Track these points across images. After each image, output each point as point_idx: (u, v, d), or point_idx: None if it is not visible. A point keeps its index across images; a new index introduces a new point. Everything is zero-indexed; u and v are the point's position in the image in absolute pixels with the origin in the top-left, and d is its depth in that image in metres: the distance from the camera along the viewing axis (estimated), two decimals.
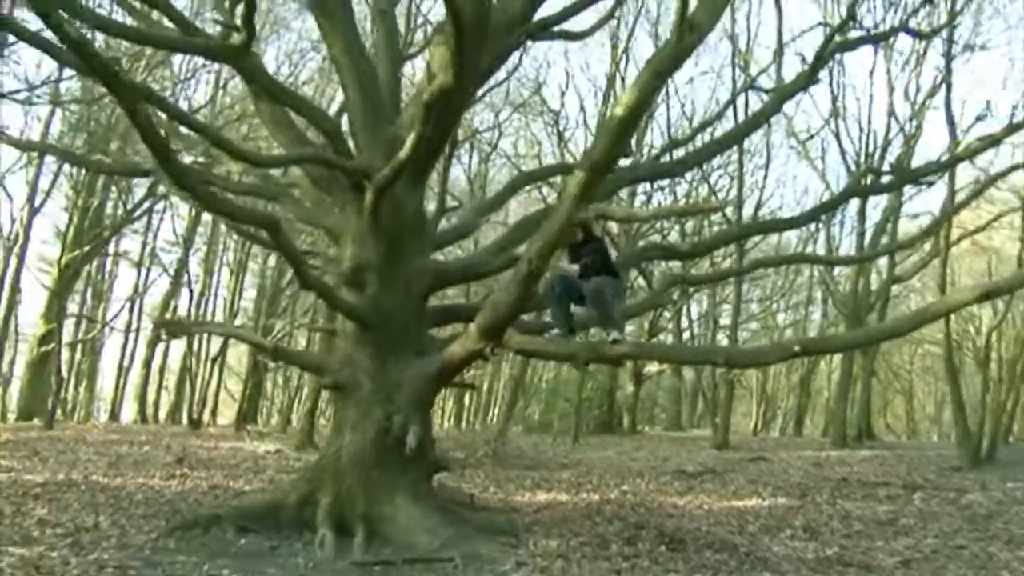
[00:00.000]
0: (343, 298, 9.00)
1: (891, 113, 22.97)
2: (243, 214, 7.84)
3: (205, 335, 31.10)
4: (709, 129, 15.41)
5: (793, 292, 38.13)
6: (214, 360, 30.33)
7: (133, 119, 6.23)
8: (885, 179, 11.93)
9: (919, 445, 27.76)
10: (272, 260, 36.99)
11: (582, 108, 47.97)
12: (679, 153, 12.23)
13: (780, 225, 11.61)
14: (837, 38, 10.76)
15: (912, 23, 12.45)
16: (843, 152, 23.18)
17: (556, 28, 10.59)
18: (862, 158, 23.19)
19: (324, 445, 9.62)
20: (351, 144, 9.88)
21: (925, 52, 22.15)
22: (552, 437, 24.98)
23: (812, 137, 25.26)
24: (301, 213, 10.35)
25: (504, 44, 9.42)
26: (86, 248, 29.36)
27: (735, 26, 23.98)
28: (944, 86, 18.19)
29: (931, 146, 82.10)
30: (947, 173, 15.05)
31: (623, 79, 25.80)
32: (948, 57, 17.37)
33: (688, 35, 6.73)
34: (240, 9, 7.91)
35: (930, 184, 13.17)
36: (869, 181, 12.07)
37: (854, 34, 11.44)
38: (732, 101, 16.95)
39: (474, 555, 7.95)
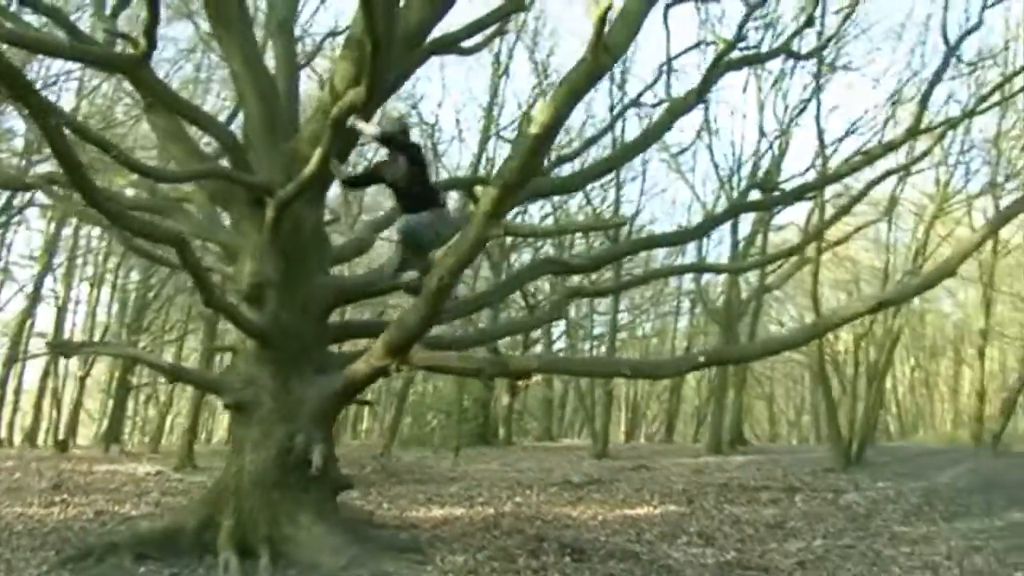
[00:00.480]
0: (245, 316, 8.81)
1: (760, 128, 23.89)
2: (149, 230, 7.61)
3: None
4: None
5: (663, 302, 39.15)
6: (82, 378, 29.12)
7: (46, 133, 6.01)
8: (773, 194, 12.39)
9: (787, 449, 28.80)
10: (134, 275, 35.95)
11: (458, 122, 48.68)
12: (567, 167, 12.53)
13: (671, 239, 11.93)
14: (727, 57, 11.15)
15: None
16: (716, 166, 24.01)
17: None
18: (733, 172, 24.11)
19: (225, 466, 9.35)
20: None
21: (793, 70, 23.13)
22: (432, 450, 24.89)
23: (684, 151, 25.99)
24: (194, 228, 10.04)
25: (409, 60, 9.41)
26: None
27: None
28: (815, 103, 19.21)
29: (795, 160, 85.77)
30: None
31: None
32: (818, 76, 18.24)
33: (603, 55, 6.87)
34: (142, 19, 7.66)
35: (812, 198, 13.78)
36: (756, 196, 12.50)
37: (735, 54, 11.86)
38: (619, 115, 17.32)
39: (382, 574, 7.91)
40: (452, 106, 58.22)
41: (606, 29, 6.56)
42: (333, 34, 18.27)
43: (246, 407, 8.98)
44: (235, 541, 8.40)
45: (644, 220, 32.45)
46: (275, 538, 8.44)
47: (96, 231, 37.36)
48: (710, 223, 12.49)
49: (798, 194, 12.31)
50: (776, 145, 24.12)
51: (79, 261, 37.23)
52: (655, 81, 14.13)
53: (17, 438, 35.08)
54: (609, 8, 6.64)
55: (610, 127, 16.51)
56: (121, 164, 8.23)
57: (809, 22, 12.76)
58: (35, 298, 34.02)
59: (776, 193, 12.38)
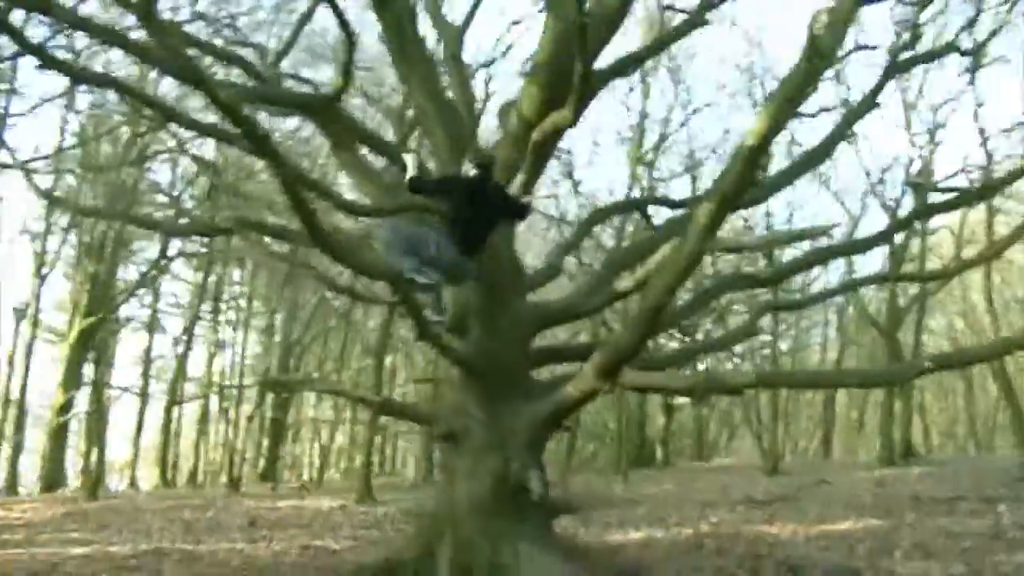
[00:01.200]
0: (453, 347, 8.87)
1: (908, 128, 23.21)
2: (368, 267, 7.72)
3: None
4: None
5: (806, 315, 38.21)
6: (249, 419, 30.00)
7: (283, 179, 6.15)
8: (954, 195, 11.92)
9: (960, 459, 27.67)
10: (278, 319, 36.99)
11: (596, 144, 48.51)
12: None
13: (858, 247, 11.56)
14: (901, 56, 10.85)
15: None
16: (867, 172, 23.44)
17: None
18: (886, 175, 23.47)
19: (437, 496, 9.42)
20: None
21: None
22: (597, 474, 24.78)
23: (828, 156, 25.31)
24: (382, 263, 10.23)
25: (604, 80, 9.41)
26: (100, 315, 29.22)
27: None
28: (973, 100, 18.47)
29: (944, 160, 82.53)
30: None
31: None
32: (973, 72, 17.55)
33: (817, 61, 6.72)
34: (340, 57, 7.80)
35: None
36: (934, 198, 12.07)
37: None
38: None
39: None
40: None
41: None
42: (486, 64, 18.41)
43: (457, 437, 9.03)
44: (456, 570, 8.44)
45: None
46: (496, 566, 8.42)
47: (237, 275, 38.92)
48: (896, 227, 12.13)
49: (980, 195, 11.85)
50: (927, 147, 23.41)
51: (223, 307, 38.64)
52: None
53: (181, 479, 36.41)
54: (822, 15, 6.53)
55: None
56: (327, 200, 8.40)
57: (975, 18, 12.31)
58: (188, 343, 35.42)
59: (957, 195, 11.88)
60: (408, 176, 7.66)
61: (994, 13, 15.07)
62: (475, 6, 11.09)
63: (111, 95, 27.42)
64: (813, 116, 14.20)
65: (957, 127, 77.64)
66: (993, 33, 14.39)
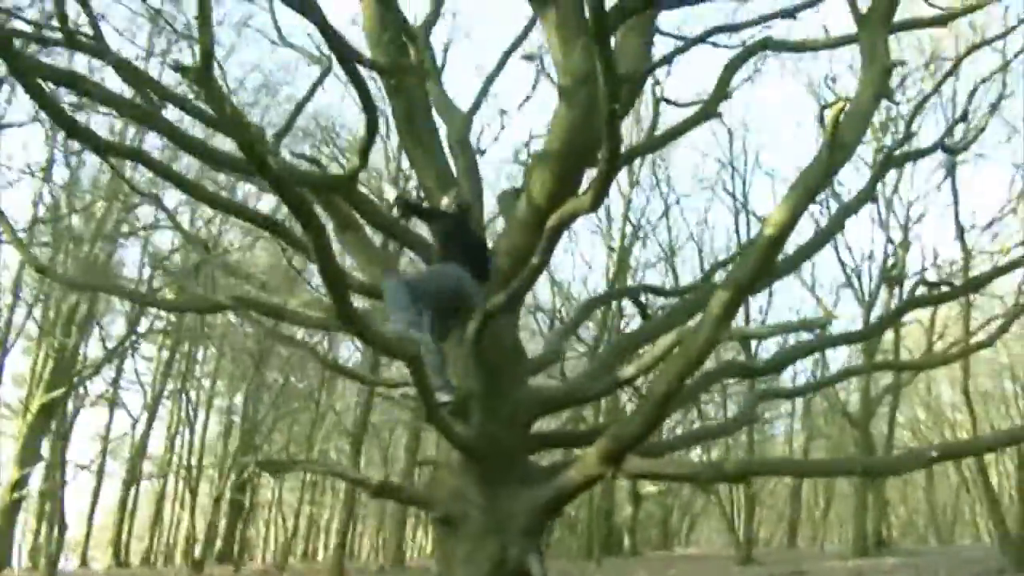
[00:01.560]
0: (456, 430, 8.78)
1: (883, 223, 23.72)
2: (387, 345, 7.65)
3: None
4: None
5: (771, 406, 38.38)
6: (216, 500, 29.40)
7: (319, 252, 6.14)
8: (942, 289, 12.13)
9: (934, 550, 27.61)
10: (238, 398, 36.64)
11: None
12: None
13: (852, 338, 11.72)
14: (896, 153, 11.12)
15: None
16: (843, 264, 23.83)
17: None
18: (862, 269, 23.89)
19: None
20: None
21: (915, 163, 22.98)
22: (570, 560, 24.44)
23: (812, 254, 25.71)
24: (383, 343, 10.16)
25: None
26: (62, 390, 28.71)
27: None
28: (951, 196, 18.84)
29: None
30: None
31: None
32: (953, 170, 18.00)
33: (839, 153, 6.90)
34: (358, 138, 7.83)
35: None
36: (925, 291, 12.28)
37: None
38: None
39: None
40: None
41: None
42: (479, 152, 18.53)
43: (454, 521, 8.89)
44: None
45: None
46: None
47: (202, 354, 38.54)
48: (888, 320, 12.33)
49: (970, 289, 12.05)
50: (901, 240, 23.90)
51: (187, 385, 38.14)
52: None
53: (135, 559, 35.48)
54: (843, 109, 6.70)
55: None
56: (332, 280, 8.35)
57: (964, 116, 12.68)
58: (150, 422, 34.88)
59: (945, 289, 12.10)
60: (395, 196, 7.95)
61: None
62: (483, 92, 11.25)
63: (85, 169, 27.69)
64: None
65: (930, 219, 79.55)
66: (980, 131, 14.82)
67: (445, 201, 8.70)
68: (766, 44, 10.20)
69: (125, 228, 27.76)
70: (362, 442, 20.11)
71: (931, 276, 20.07)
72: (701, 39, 10.57)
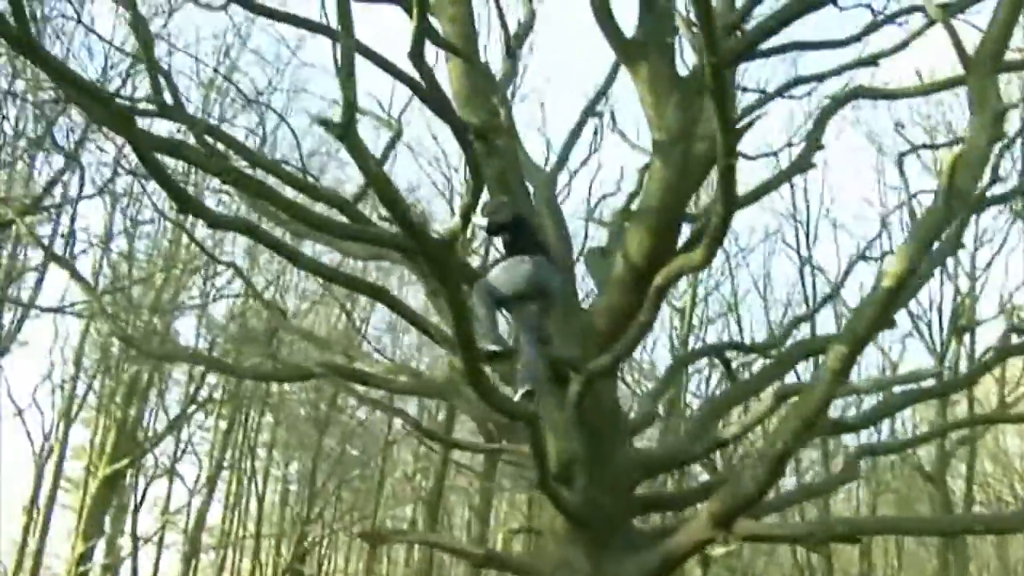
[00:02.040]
0: (562, 496, 8.61)
1: (951, 270, 23.46)
2: (505, 406, 7.50)
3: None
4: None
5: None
6: (285, 572, 29.26)
7: (457, 313, 6.08)
8: None
9: None
10: (294, 467, 36.60)
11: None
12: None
13: (943, 390, 11.49)
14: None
15: None
16: (910, 313, 23.44)
17: None
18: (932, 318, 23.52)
19: None
20: None
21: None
22: None
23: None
24: (474, 410, 10.06)
25: None
26: (126, 461, 28.72)
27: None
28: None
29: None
30: None
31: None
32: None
33: (956, 202, 6.76)
34: (462, 202, 7.73)
35: None
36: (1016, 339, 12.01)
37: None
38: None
39: None
40: None
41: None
42: None
43: None
44: None
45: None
46: None
47: (266, 419, 38.51)
48: (979, 371, 12.02)
49: None
50: (968, 288, 23.59)
51: (247, 454, 38.05)
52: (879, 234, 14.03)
53: None
54: (959, 156, 6.57)
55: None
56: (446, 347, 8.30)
57: None
58: (211, 493, 34.73)
59: None
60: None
61: None
62: (566, 150, 11.24)
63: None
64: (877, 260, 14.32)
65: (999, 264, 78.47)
66: None
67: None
68: (857, 92, 10.12)
69: (192, 296, 28.03)
70: (439, 508, 19.87)
71: (1002, 321, 19.77)
72: (781, 92, 10.53)
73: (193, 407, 30.82)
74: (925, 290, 22.20)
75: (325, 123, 5.13)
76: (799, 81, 10.59)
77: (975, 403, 25.01)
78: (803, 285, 24.60)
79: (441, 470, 20.28)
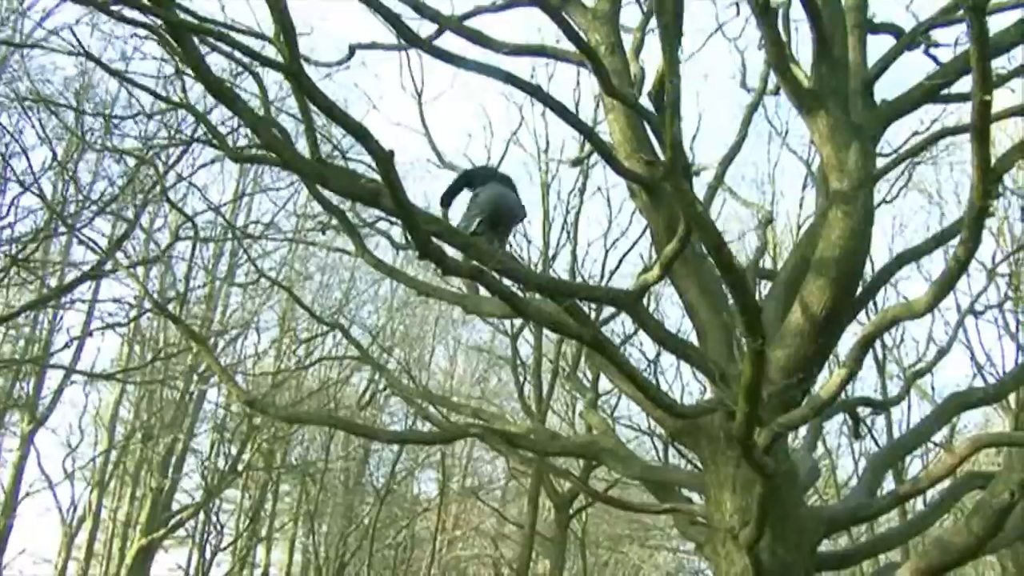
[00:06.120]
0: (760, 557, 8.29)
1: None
2: (662, 476, 7.24)
3: None
4: None
5: None
6: None
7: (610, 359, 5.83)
8: None
9: None
10: (324, 527, 36.03)
11: None
12: None
13: None
14: None
15: None
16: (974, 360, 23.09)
17: None
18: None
19: None
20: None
21: None
22: None
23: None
24: (634, 470, 9.73)
25: None
26: (161, 532, 28.10)
27: None
28: None
29: None
30: None
31: None
32: None
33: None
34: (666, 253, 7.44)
35: None
36: None
37: None
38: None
39: None
40: None
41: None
42: None
43: None
44: None
45: None
46: None
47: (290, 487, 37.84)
48: None
49: None
50: None
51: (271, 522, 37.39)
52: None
53: None
54: None
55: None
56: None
57: None
58: (244, 562, 34.03)
59: None
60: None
61: None
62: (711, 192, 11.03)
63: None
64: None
65: None
66: None
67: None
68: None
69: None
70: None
71: None
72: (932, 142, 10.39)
73: (231, 476, 30.27)
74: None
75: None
76: None
77: None
78: None
79: (530, 535, 19.58)
